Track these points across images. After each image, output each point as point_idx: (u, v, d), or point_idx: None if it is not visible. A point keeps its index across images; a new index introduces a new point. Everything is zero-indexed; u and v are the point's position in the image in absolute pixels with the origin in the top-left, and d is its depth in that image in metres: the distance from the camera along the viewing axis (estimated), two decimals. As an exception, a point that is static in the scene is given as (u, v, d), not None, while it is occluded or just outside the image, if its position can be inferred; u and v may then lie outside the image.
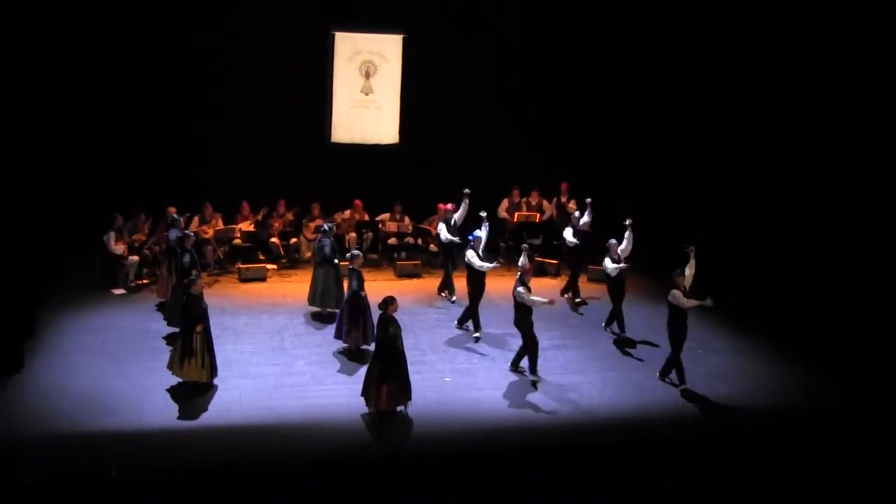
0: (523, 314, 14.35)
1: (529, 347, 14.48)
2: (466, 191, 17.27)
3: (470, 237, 16.08)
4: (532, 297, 14.26)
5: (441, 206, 18.31)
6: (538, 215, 20.08)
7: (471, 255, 15.74)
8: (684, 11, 19.69)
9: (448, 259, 17.72)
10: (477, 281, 15.88)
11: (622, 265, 15.82)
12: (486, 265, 15.67)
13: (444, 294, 17.76)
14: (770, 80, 18.27)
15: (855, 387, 14.75)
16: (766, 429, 13.56)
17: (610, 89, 20.93)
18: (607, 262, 15.90)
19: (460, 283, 17.00)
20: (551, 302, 14.40)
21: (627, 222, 16.14)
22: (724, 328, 16.78)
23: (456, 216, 17.38)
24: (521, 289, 14.24)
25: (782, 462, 12.72)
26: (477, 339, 15.87)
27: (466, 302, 16.28)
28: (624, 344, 15.98)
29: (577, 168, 20.33)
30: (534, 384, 14.37)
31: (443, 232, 17.18)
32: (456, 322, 16.37)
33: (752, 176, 18.74)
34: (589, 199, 17.65)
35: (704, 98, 19.59)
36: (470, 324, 16.15)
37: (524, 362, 14.66)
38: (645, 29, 20.50)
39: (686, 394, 14.27)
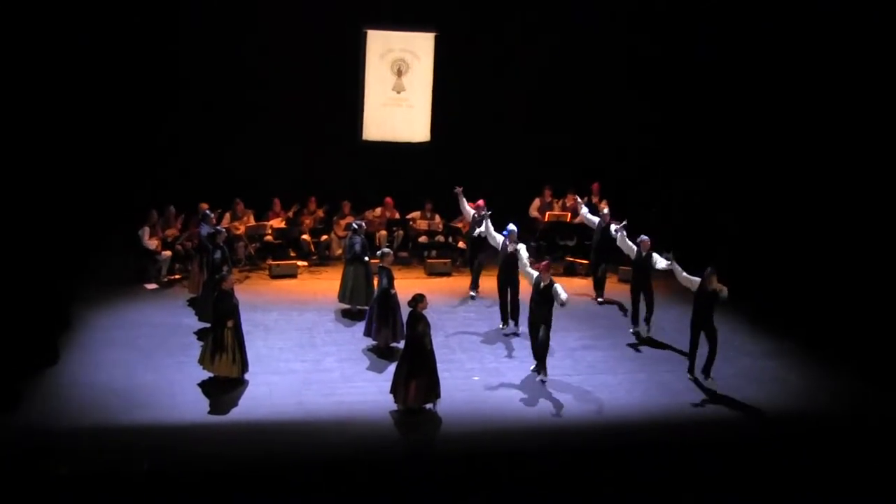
0: (545, 308, 14.34)
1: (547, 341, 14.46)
2: (458, 189, 17.51)
3: (505, 232, 15.99)
4: (529, 269, 14.29)
5: (480, 202, 18.07)
6: (569, 215, 20.05)
7: (523, 252, 15.57)
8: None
9: (475, 257, 17.68)
10: (516, 274, 15.86)
11: (668, 262, 15.60)
12: (532, 272, 15.40)
13: (474, 293, 17.74)
14: (799, 76, 18.17)
15: (885, 391, 14.63)
16: (795, 433, 13.49)
17: (644, 86, 20.84)
18: (657, 258, 15.65)
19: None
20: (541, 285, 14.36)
21: (624, 223, 16.31)
22: (754, 330, 16.68)
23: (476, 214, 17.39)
24: (559, 286, 14.18)
25: (810, 466, 12.64)
26: (473, 298, 16.06)
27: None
28: (653, 345, 15.92)
29: (610, 169, 20.26)
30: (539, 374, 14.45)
31: (492, 231, 16.78)
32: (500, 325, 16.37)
33: (783, 177, 18.64)
34: (606, 210, 17.83)
35: (735, 100, 19.50)
36: (504, 322, 16.22)
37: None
38: (683, 24, 20.38)
39: (714, 395, 14.21)
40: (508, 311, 16.13)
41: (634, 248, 15.95)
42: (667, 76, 20.72)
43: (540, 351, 14.49)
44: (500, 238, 16.22)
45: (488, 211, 16.96)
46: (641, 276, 16.00)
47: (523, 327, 15.52)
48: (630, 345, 15.95)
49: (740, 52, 19.16)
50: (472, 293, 17.69)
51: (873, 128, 17.10)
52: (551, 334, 14.43)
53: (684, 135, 20.64)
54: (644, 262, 15.81)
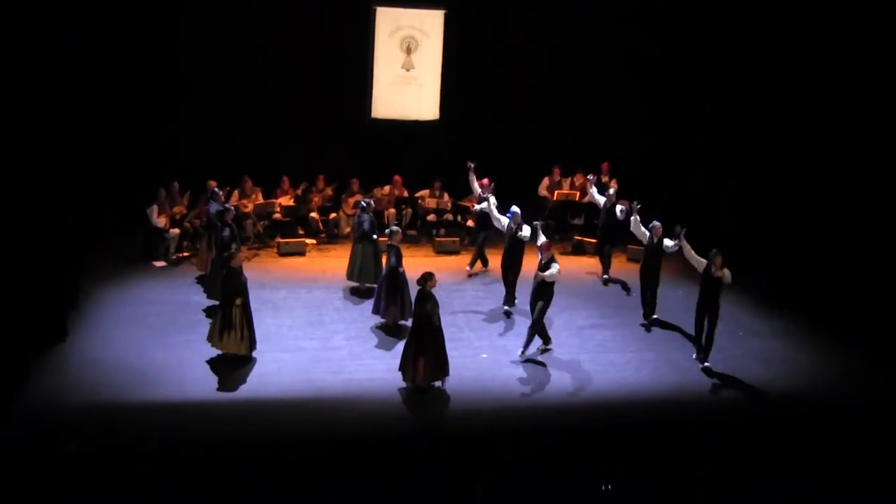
0: (549, 290, 14.35)
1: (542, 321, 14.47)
2: (471, 164, 17.56)
3: (509, 214, 16.02)
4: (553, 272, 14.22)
5: (484, 181, 18.08)
6: (578, 194, 20.00)
7: (527, 231, 15.61)
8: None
9: (481, 234, 17.70)
10: (520, 256, 15.86)
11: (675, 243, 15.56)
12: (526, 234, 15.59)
13: (476, 269, 17.73)
14: (813, 59, 18.08)
15: (893, 370, 14.62)
16: (803, 412, 13.49)
17: (654, 68, 20.73)
18: (668, 242, 15.56)
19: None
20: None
21: (638, 206, 16.13)
22: (762, 311, 16.66)
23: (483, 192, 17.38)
24: (555, 268, 14.20)
25: (818, 445, 12.65)
26: (508, 314, 15.93)
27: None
28: (662, 324, 15.90)
29: (619, 149, 20.19)
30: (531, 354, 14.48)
31: (496, 212, 16.83)
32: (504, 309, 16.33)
33: (788, 156, 18.54)
34: (612, 190, 17.80)
35: (746, 77, 19.38)
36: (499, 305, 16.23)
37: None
38: (693, 8, 20.25)
39: (722, 376, 14.21)
40: (513, 291, 16.13)
41: (647, 233, 15.85)
42: (680, 50, 20.56)
43: (531, 330, 14.51)
44: (504, 220, 16.23)
45: (489, 192, 17.06)
46: (653, 263, 15.86)
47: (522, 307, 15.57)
48: (640, 325, 15.92)
49: (753, 30, 19.01)
50: (470, 270, 17.71)
51: (872, 112, 17.01)
52: (558, 314, 14.41)
53: (695, 113, 20.51)
54: (656, 248, 15.69)
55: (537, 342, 14.61)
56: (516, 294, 16.11)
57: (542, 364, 14.34)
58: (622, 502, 11.49)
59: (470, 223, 19.43)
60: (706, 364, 14.40)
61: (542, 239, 14.94)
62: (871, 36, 16.94)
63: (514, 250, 15.95)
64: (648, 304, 15.99)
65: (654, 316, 15.96)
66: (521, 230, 15.70)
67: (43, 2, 14.38)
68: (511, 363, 14.31)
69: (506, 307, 16.09)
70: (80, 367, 13.43)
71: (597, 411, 13.24)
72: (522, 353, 14.49)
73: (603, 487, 11.51)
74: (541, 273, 14.18)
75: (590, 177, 18.42)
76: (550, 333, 14.72)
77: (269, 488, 11.11)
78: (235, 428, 12.21)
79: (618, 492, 11.49)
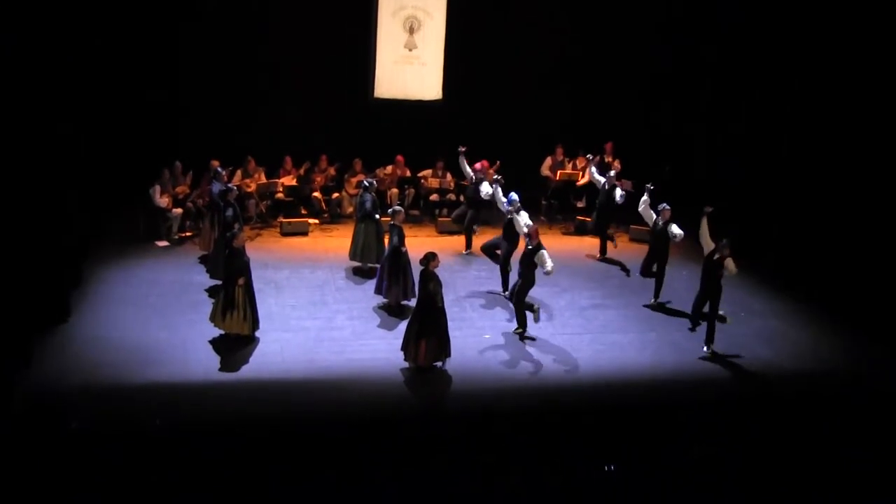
0: (526, 269, 14.34)
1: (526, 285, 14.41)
2: (462, 148, 17.38)
3: (508, 200, 15.91)
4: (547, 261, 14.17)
5: (477, 165, 18.08)
6: (580, 174, 19.97)
7: (525, 217, 15.45)
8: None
9: (476, 215, 17.66)
10: (514, 241, 15.84)
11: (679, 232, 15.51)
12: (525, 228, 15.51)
13: (467, 252, 17.73)
14: (821, 50, 17.98)
15: (893, 350, 14.64)
16: (805, 393, 13.50)
17: (658, 49, 20.63)
18: (675, 229, 15.37)
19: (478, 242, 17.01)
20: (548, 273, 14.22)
21: (650, 186, 16.02)
22: (765, 291, 16.67)
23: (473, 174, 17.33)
24: (544, 251, 14.16)
25: (820, 426, 12.66)
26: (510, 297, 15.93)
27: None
28: (664, 305, 15.89)
29: (621, 129, 20.13)
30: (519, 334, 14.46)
31: (487, 188, 16.96)
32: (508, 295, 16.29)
33: (793, 140, 18.48)
34: (612, 173, 17.74)
35: (751, 63, 19.29)
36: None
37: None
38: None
39: (724, 357, 14.21)
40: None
41: (654, 216, 15.76)
42: (685, 34, 20.46)
43: (515, 307, 14.55)
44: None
45: (483, 174, 17.11)
46: (660, 246, 15.73)
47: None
48: (643, 306, 15.92)
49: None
50: (466, 251, 17.69)
51: (876, 97, 16.95)
52: (560, 294, 14.44)
53: (698, 92, 20.44)
54: (663, 232, 15.60)
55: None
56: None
57: (548, 343, 14.33)
58: (624, 483, 11.50)
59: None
60: (711, 350, 14.37)
61: (526, 223, 14.88)
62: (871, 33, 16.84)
63: (515, 235, 15.89)
64: (655, 287, 15.92)
65: (659, 301, 15.90)
66: (518, 216, 15.55)
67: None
68: (514, 343, 14.31)
69: (506, 294, 16.04)
70: (82, 346, 13.44)
71: (599, 391, 13.25)
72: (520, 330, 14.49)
73: (605, 468, 11.53)
74: (547, 265, 14.06)
75: (589, 156, 18.36)
76: (554, 314, 14.74)
77: (271, 467, 11.12)
78: (238, 408, 12.23)
79: (619, 472, 11.51)
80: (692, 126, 20.57)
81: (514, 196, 15.78)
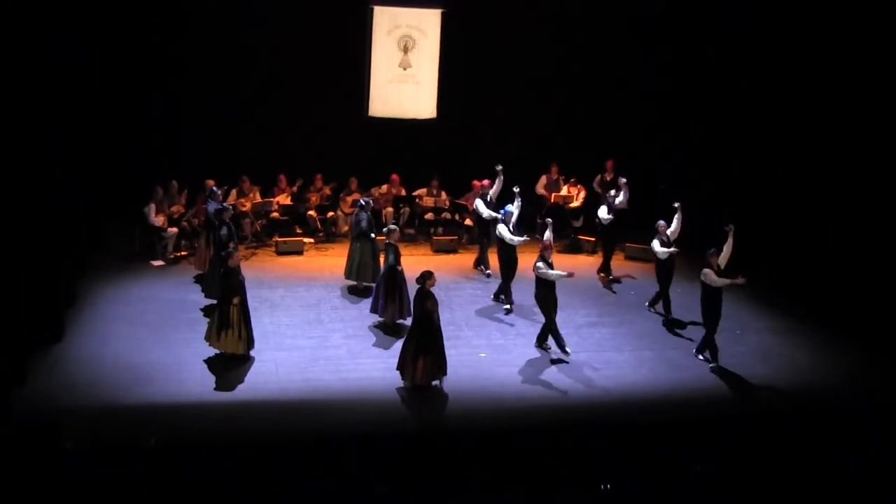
0: (543, 290, 14.34)
1: (549, 324, 14.48)
2: (499, 167, 17.29)
3: (502, 212, 16.11)
4: (551, 272, 14.23)
5: (476, 182, 18.33)
6: (574, 197, 19.89)
7: (502, 229, 15.82)
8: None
9: (484, 235, 17.72)
10: (508, 255, 15.91)
11: (672, 249, 15.57)
12: (516, 239, 15.70)
13: (480, 268, 17.80)
14: (812, 54, 18.02)
15: (893, 367, 14.62)
16: (803, 410, 13.48)
17: (653, 67, 20.65)
18: (656, 245, 15.58)
19: (496, 258, 16.95)
20: (570, 275, 14.26)
21: (676, 205, 16.01)
22: (762, 308, 16.66)
23: (491, 192, 17.33)
24: (540, 264, 14.24)
25: (818, 443, 12.62)
26: (508, 312, 15.90)
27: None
28: (660, 322, 15.89)
29: (618, 146, 20.12)
30: (554, 361, 14.36)
31: (481, 208, 17.10)
32: (492, 296, 16.42)
33: (789, 153, 18.48)
34: (624, 180, 17.63)
35: (745, 73, 19.32)
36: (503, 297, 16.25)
37: (551, 340, 14.65)
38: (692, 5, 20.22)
39: (722, 373, 14.21)
40: (508, 289, 16.19)
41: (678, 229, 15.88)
42: (679, 47, 20.49)
43: (543, 332, 14.68)
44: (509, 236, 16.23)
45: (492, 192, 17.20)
46: (666, 263, 15.82)
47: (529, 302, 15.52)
48: (638, 322, 15.92)
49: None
50: (487, 271, 17.68)
51: (876, 104, 16.97)
52: (557, 312, 14.41)
53: (694, 102, 20.43)
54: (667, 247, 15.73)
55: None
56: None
57: (544, 363, 14.32)
58: (621, 501, 11.45)
59: (468, 222, 19.42)
60: (714, 365, 14.40)
61: (547, 235, 15.01)
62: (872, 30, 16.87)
63: (507, 249, 15.96)
64: (664, 303, 16.03)
65: (665, 313, 16.05)
66: (499, 226, 15.78)
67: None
68: (510, 362, 14.29)
69: (505, 306, 16.09)
70: (77, 365, 13.41)
71: (595, 409, 13.22)
72: (561, 350, 14.52)
73: (601, 487, 11.48)
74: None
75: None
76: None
77: (266, 487, 11.07)
78: (233, 427, 12.19)
79: (616, 491, 11.46)
80: (689, 147, 20.57)
81: (509, 208, 15.95)
